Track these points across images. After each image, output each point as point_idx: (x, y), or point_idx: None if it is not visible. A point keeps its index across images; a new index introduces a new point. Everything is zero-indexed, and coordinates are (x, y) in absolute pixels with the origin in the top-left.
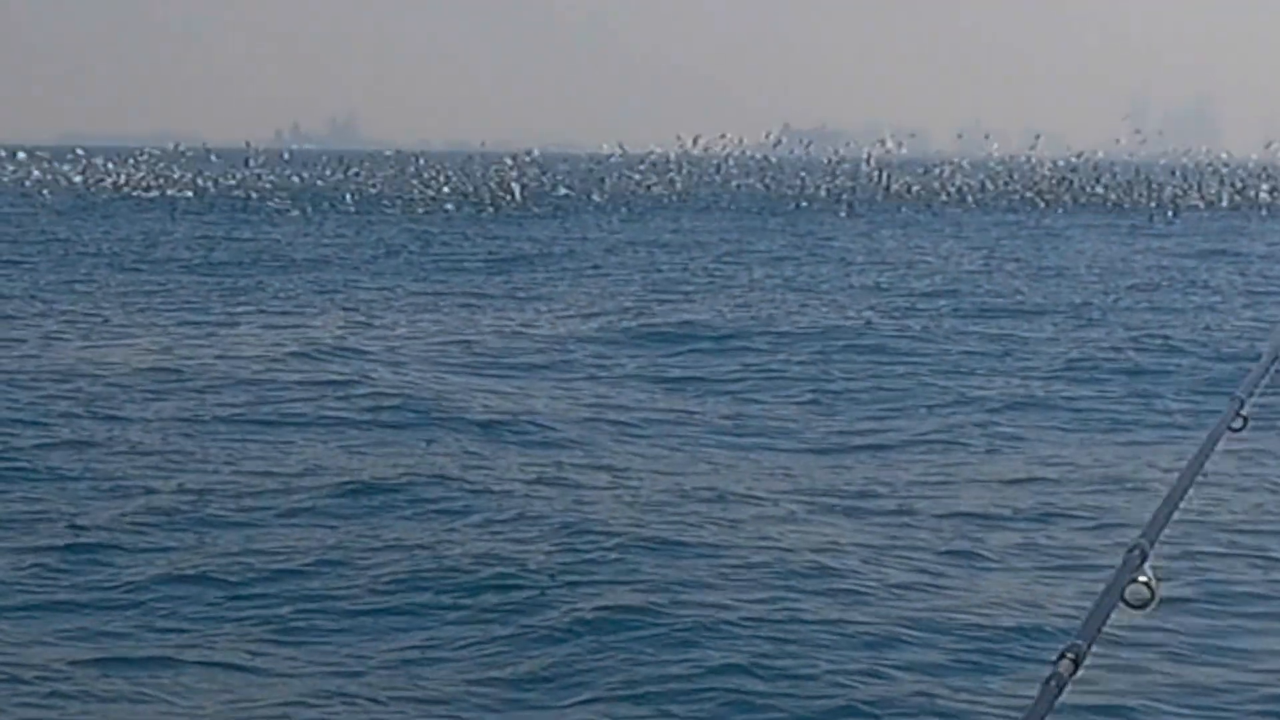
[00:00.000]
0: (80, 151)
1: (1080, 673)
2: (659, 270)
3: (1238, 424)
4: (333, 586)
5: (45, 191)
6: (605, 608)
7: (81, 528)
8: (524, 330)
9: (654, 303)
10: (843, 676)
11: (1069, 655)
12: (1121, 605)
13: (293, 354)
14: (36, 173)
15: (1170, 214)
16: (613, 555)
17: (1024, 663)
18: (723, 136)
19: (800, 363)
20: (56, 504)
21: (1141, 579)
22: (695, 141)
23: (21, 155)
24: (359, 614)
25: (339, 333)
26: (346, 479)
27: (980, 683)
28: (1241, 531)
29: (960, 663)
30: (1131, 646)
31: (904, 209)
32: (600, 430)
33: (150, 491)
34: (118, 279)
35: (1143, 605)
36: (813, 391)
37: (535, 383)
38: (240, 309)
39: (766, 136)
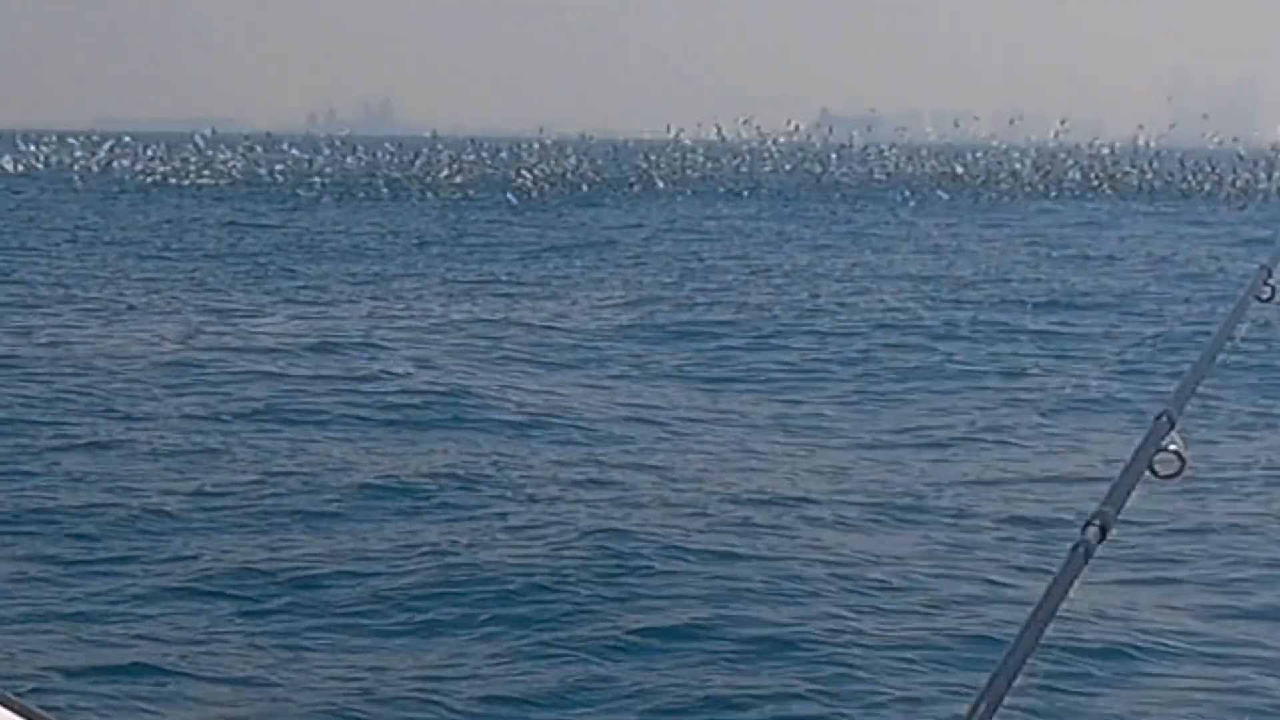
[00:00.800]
0: (117, 138)
1: (1107, 540)
2: (699, 259)
3: (1266, 293)
4: (356, 593)
5: (76, 177)
6: (647, 623)
7: (98, 525)
8: (559, 323)
9: (694, 293)
10: (906, 705)
11: (1096, 523)
12: (1149, 476)
13: (317, 346)
14: (67, 158)
15: (1242, 202)
16: (654, 564)
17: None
18: (745, 122)
19: (845, 357)
20: (71, 499)
21: (1171, 447)
22: (741, 122)
23: (50, 141)
24: (383, 622)
25: (367, 325)
26: (374, 478)
27: (1049, 702)
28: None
29: (1032, 678)
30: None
31: (947, 195)
32: (640, 428)
33: (169, 491)
34: (143, 267)
35: (1173, 475)
36: (859, 387)
37: (571, 378)
38: (266, 298)
39: (792, 125)
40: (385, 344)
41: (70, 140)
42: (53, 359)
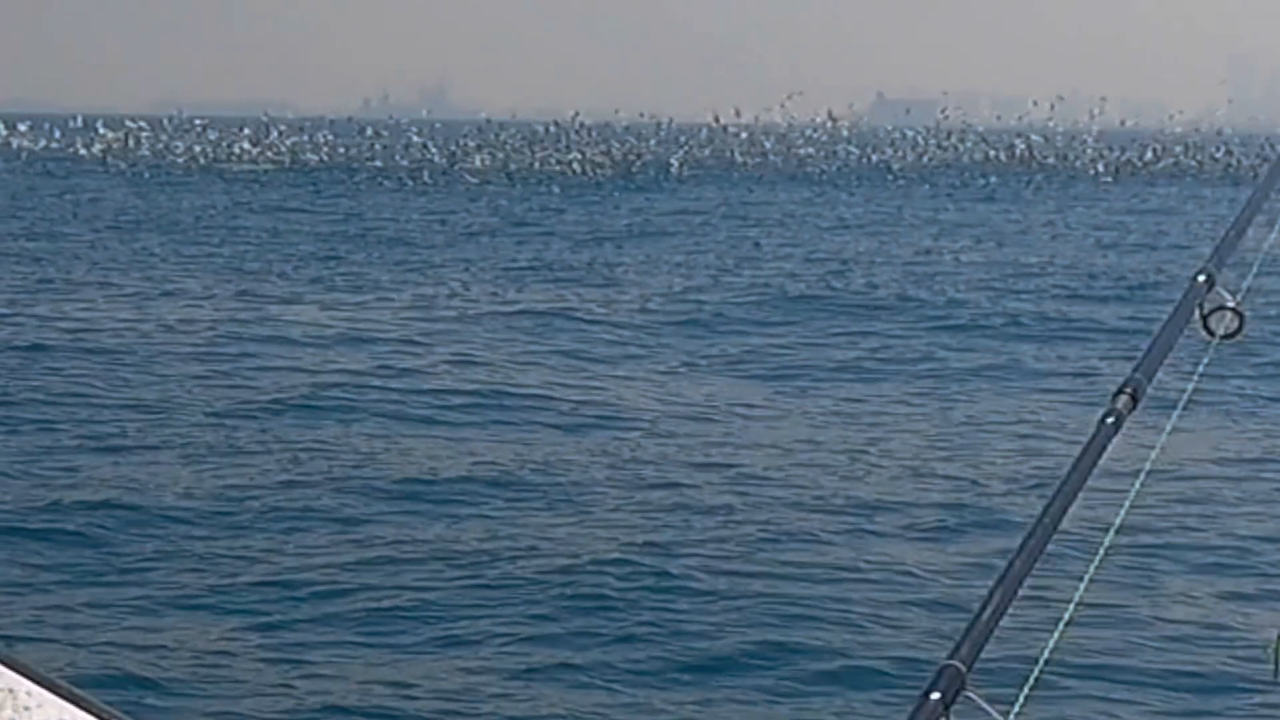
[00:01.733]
0: (174, 119)
1: (1139, 409)
2: (755, 245)
3: None
4: (387, 599)
5: (121, 161)
6: (709, 652)
7: (120, 523)
8: (610, 314)
9: (749, 283)
10: None
11: (1127, 390)
12: (1204, 335)
13: (358, 338)
14: (125, 141)
15: None
16: (718, 583)
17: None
18: (783, 104)
19: (915, 348)
20: (97, 495)
21: (1228, 304)
22: (788, 101)
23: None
24: (413, 630)
25: (410, 315)
26: (414, 476)
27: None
28: None
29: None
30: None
31: (1002, 179)
32: (701, 423)
33: (203, 484)
34: (183, 252)
35: (1232, 334)
36: (930, 377)
37: (623, 371)
38: (306, 288)
39: (848, 108)
40: (427, 336)
41: (128, 123)
42: (84, 348)
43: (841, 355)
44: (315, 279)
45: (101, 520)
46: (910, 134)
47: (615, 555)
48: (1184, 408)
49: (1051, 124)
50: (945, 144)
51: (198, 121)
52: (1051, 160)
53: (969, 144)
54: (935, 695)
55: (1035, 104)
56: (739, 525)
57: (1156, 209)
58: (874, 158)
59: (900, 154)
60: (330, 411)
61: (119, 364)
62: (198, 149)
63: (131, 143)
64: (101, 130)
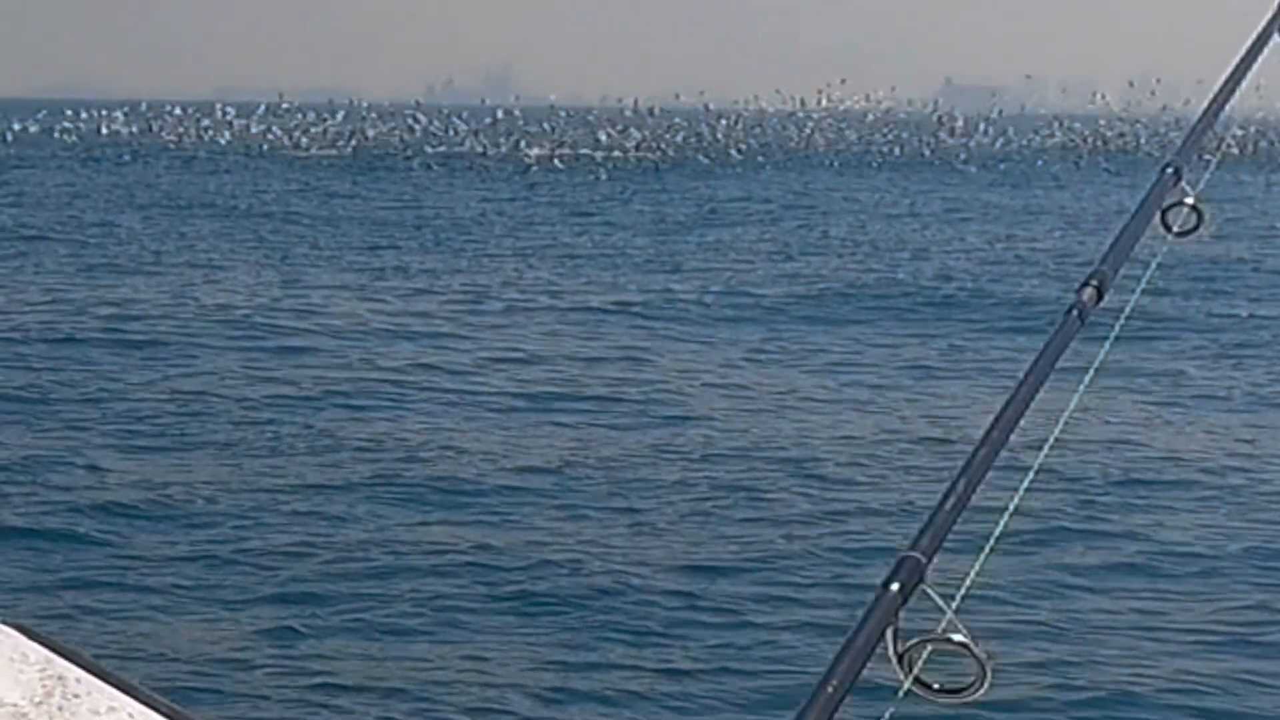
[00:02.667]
0: (230, 108)
1: (1104, 302)
2: (825, 233)
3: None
4: (438, 598)
5: (178, 149)
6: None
7: (157, 514)
8: (675, 304)
9: (820, 269)
10: None
11: (1092, 283)
12: (1162, 232)
13: (410, 329)
14: (185, 127)
15: None
16: (755, 609)
17: None
18: (836, 83)
19: (1003, 344)
20: (139, 486)
21: (1187, 200)
22: (840, 85)
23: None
24: (453, 630)
25: (466, 305)
26: (461, 474)
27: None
28: None
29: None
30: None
31: (1071, 165)
32: (774, 421)
33: (241, 479)
34: (236, 238)
35: (1188, 231)
36: (1009, 378)
37: (696, 360)
38: (358, 275)
39: (917, 97)
40: (479, 329)
41: (188, 109)
42: (124, 337)
43: (912, 353)
44: (364, 267)
45: (135, 514)
46: (979, 120)
47: (669, 561)
48: (1136, 308)
49: (1123, 111)
50: (1015, 130)
51: (259, 108)
52: (1121, 145)
53: (1041, 131)
54: (894, 586)
55: (1102, 97)
56: (797, 539)
57: (1236, 197)
58: (942, 144)
59: (969, 141)
60: (376, 406)
61: (157, 354)
62: (256, 134)
63: (188, 129)
64: (154, 115)
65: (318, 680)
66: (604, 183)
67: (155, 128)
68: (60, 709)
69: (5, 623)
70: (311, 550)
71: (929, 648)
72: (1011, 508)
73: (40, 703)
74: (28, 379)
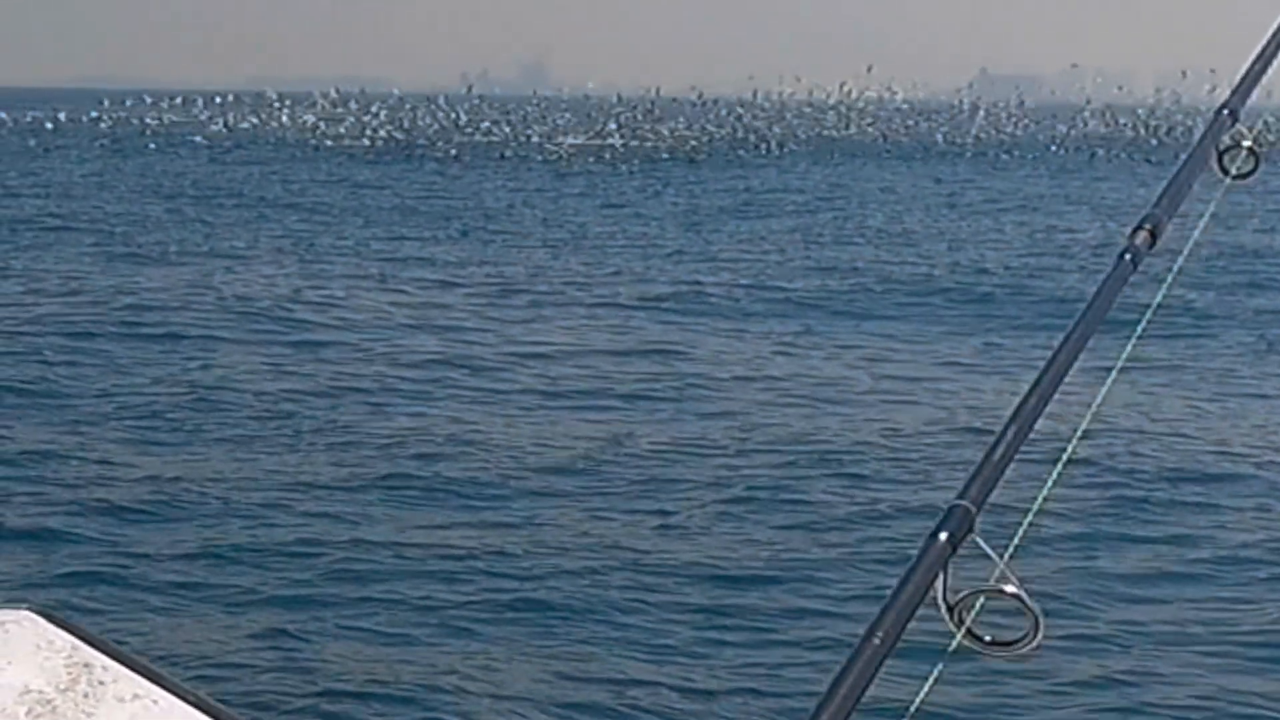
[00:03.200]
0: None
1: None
2: (861, 224)
3: None
4: (458, 593)
5: (199, 137)
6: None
7: (179, 509)
8: (710, 293)
9: (861, 262)
10: None
11: (1146, 226)
12: (1219, 175)
13: (434, 322)
14: (204, 119)
15: None
16: (834, 621)
17: None
18: (863, 72)
19: (1041, 339)
20: (156, 479)
21: (1244, 142)
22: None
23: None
24: (493, 630)
25: (492, 298)
26: (496, 467)
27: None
28: None
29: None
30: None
31: (1125, 157)
32: (809, 417)
33: (259, 473)
34: (261, 229)
35: (1247, 174)
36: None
37: (729, 354)
38: (382, 265)
39: (953, 86)
40: (505, 322)
41: (219, 99)
42: (143, 330)
43: (949, 346)
44: (390, 258)
45: (151, 509)
46: (1016, 109)
47: (700, 562)
48: (1194, 248)
49: (1155, 101)
50: (1053, 120)
51: (287, 99)
52: (1160, 136)
53: (1080, 121)
54: (943, 535)
55: (1156, 90)
56: (846, 535)
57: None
58: (979, 134)
59: (1008, 130)
60: (398, 401)
61: (177, 346)
62: (287, 124)
63: (219, 119)
64: (185, 105)
65: (328, 681)
66: (636, 174)
67: (185, 118)
68: (86, 695)
69: (32, 609)
70: (327, 549)
71: (981, 599)
72: (1064, 459)
73: (66, 689)
74: (44, 370)
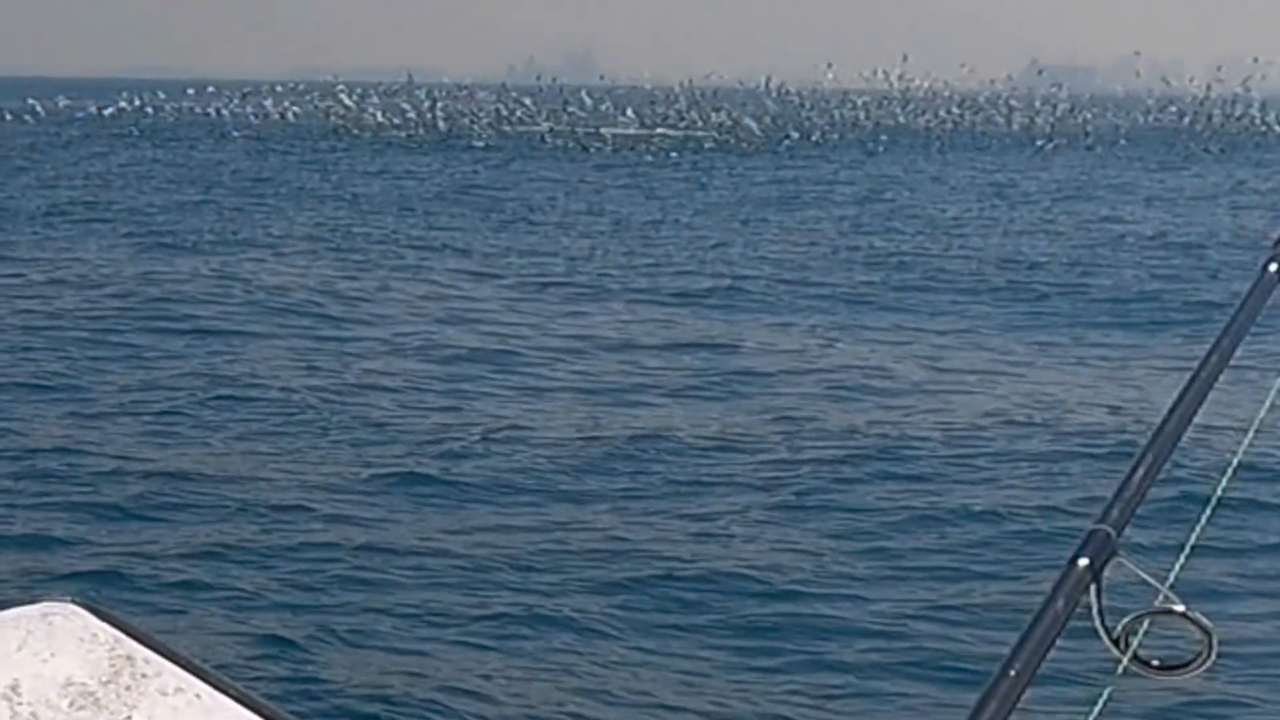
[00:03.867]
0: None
1: None
2: (916, 214)
3: None
4: (499, 594)
5: (232, 128)
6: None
7: (213, 507)
8: (757, 285)
9: (911, 253)
10: None
11: None
12: None
13: (467, 315)
14: (249, 109)
15: None
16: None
17: None
18: (899, 60)
19: (1098, 336)
20: (183, 474)
21: None
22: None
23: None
24: (497, 632)
25: (527, 291)
26: (530, 468)
27: None
28: None
29: None
30: None
31: (1183, 148)
32: (863, 412)
33: (287, 470)
34: (295, 219)
35: None
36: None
37: (778, 347)
38: (416, 253)
39: (1003, 76)
40: (542, 316)
41: (264, 88)
42: (171, 324)
43: (1003, 342)
44: (427, 248)
45: (173, 504)
46: (1070, 99)
47: (751, 567)
48: None
49: (1212, 92)
50: (1109, 111)
51: (339, 86)
52: (1224, 126)
53: (1136, 112)
54: (1083, 561)
55: (1193, 79)
56: (905, 541)
57: None
58: (1031, 124)
59: (1062, 120)
60: (430, 396)
61: (205, 339)
62: (330, 113)
63: (263, 107)
64: (226, 94)
65: (349, 684)
66: (682, 164)
67: (226, 107)
68: (128, 688)
69: (75, 601)
70: (354, 551)
71: (1146, 621)
72: (1225, 479)
73: (108, 682)
74: (68, 363)
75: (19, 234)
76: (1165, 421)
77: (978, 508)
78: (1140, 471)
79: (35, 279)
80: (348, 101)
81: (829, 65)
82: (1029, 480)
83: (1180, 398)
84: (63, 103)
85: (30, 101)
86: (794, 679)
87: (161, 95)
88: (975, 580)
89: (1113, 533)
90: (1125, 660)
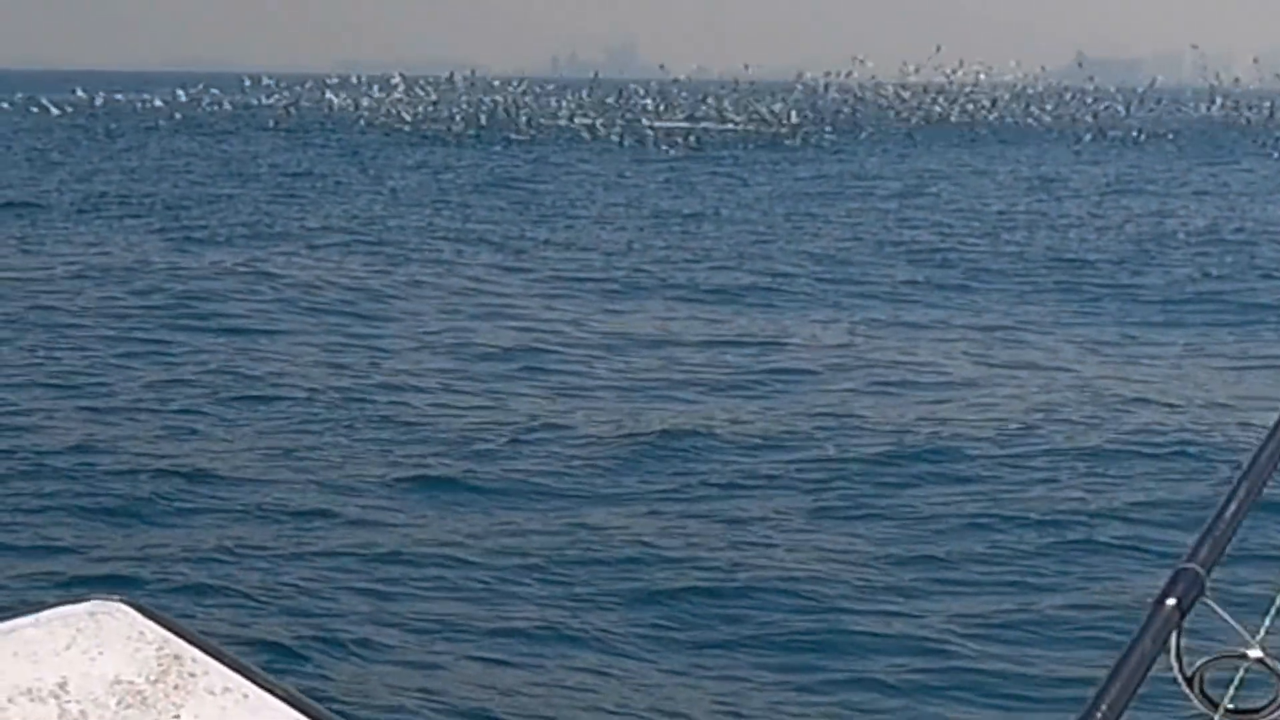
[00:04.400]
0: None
1: None
2: (956, 209)
3: None
4: (552, 595)
5: (270, 121)
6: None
7: (242, 503)
8: (802, 279)
9: (971, 247)
10: None
11: None
12: None
13: (503, 312)
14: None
15: None
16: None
17: None
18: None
19: (1152, 332)
20: (214, 472)
21: None
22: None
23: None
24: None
25: (563, 287)
26: (567, 469)
27: None
28: None
29: None
30: None
31: (1241, 142)
32: (910, 408)
33: (318, 471)
34: (331, 212)
35: None
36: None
37: (824, 343)
38: (449, 245)
39: (1043, 69)
40: (580, 312)
41: (304, 84)
42: (201, 322)
43: (1052, 339)
44: (463, 242)
45: (196, 505)
46: (1120, 93)
47: (784, 576)
48: None
49: (1257, 85)
50: (1163, 104)
51: (378, 83)
52: (1261, 119)
53: (1189, 105)
54: (1170, 601)
55: (1238, 79)
56: (956, 545)
57: None
58: (1080, 118)
59: (1115, 114)
60: (465, 392)
61: (234, 335)
62: (368, 106)
63: (301, 100)
64: (264, 87)
65: (383, 678)
66: (724, 158)
67: (265, 100)
68: (176, 687)
69: (124, 601)
70: (385, 550)
71: (1219, 664)
72: None
73: (156, 681)
74: (92, 360)
75: (51, 228)
76: (1259, 454)
77: (1033, 515)
78: (1233, 506)
79: (62, 274)
80: (386, 95)
81: (867, 59)
82: (1086, 484)
83: (1276, 427)
84: (117, 95)
85: (79, 93)
86: (835, 699)
87: (215, 91)
88: (1032, 594)
89: (1202, 571)
90: (1195, 699)
